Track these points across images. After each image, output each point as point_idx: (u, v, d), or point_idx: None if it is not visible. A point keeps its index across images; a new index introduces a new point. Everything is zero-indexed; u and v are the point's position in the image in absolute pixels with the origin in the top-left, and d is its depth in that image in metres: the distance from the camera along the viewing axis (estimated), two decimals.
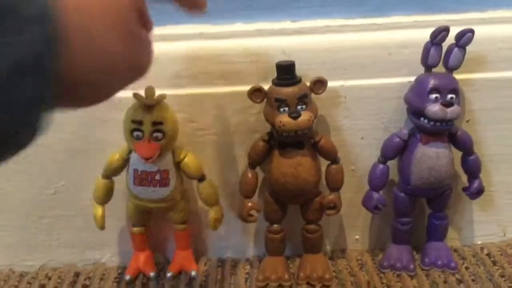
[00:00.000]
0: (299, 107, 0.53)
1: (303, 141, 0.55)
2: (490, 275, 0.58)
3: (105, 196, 0.57)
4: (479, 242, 0.65)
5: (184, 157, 0.56)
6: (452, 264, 0.60)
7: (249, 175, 0.57)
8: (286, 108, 0.53)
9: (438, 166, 0.55)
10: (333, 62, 0.58)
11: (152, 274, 0.60)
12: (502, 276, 0.58)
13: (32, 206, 0.61)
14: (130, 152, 0.55)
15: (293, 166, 0.55)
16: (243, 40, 0.58)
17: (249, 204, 0.57)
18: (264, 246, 0.61)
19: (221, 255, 0.64)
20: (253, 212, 0.57)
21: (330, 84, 0.55)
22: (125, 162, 0.56)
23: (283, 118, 0.52)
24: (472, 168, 0.58)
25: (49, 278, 0.61)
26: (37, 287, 0.60)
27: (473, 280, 0.58)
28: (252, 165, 0.57)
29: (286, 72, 0.54)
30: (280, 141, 0.55)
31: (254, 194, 0.58)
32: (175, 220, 0.60)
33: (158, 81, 0.55)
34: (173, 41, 0.57)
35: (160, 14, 0.56)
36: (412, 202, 0.59)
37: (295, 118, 0.52)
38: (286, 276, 0.59)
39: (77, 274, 0.62)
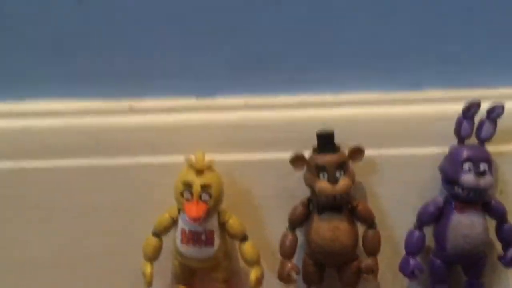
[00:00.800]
0: (337, 173, 0.56)
1: (342, 206, 0.58)
2: None
3: (154, 254, 0.60)
4: None
5: (229, 219, 0.59)
6: None
7: (289, 236, 0.60)
8: (326, 174, 0.56)
9: (473, 234, 0.57)
10: (370, 132, 0.61)
11: None
12: None
13: (86, 263, 0.65)
14: (179, 212, 0.59)
15: (332, 230, 0.57)
16: (286, 111, 0.62)
17: (289, 265, 0.59)
18: None
19: None
20: (292, 273, 0.59)
21: (368, 153, 0.58)
22: (174, 221, 0.59)
23: (323, 184, 0.56)
24: (507, 237, 0.59)
25: None
26: None
27: None
28: (292, 227, 0.60)
29: (326, 140, 0.57)
30: (319, 206, 0.58)
31: (294, 256, 0.60)
32: (217, 279, 0.62)
33: (207, 148, 0.60)
34: (221, 111, 0.62)
35: (208, 87, 0.63)
36: (448, 269, 0.60)
37: (334, 183, 0.55)
38: None
39: None
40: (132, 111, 0.63)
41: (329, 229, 0.58)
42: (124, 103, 0.63)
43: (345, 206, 0.58)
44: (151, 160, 0.62)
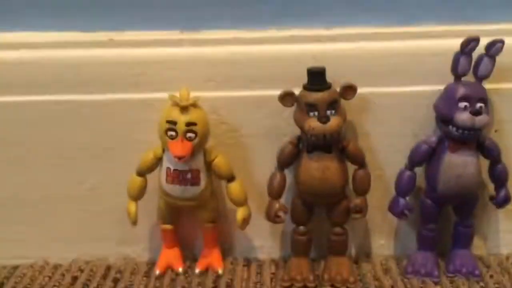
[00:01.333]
0: (328, 112, 0.54)
1: (331, 145, 0.56)
2: None
3: (139, 193, 0.59)
4: (504, 251, 0.65)
5: (215, 158, 0.58)
6: (477, 272, 0.60)
7: (277, 176, 0.59)
8: (316, 113, 0.54)
9: (465, 174, 0.56)
10: (364, 69, 0.59)
11: (180, 269, 0.62)
12: None
13: (68, 200, 0.64)
14: (163, 151, 0.57)
15: (321, 170, 0.56)
16: (276, 46, 0.59)
17: (277, 205, 0.59)
18: (290, 248, 0.62)
19: (248, 255, 0.65)
20: (280, 213, 0.59)
21: (360, 90, 0.56)
22: (159, 160, 0.58)
23: (313, 122, 0.54)
24: (499, 177, 0.59)
25: (82, 271, 0.64)
26: (69, 279, 0.62)
27: None
28: (280, 167, 0.59)
29: (316, 77, 0.55)
30: (309, 145, 0.57)
31: (282, 196, 0.59)
32: (204, 219, 0.61)
33: (192, 84, 0.57)
34: (207, 45, 0.59)
35: (194, 19, 0.60)
36: (438, 209, 0.59)
37: (324, 122, 0.54)
38: (311, 277, 0.60)
39: (108, 268, 0.64)
40: (112, 44, 0.59)
41: (318, 168, 0.56)
42: (104, 36, 0.60)
43: (335, 145, 0.57)
44: (133, 96, 0.60)
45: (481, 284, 0.59)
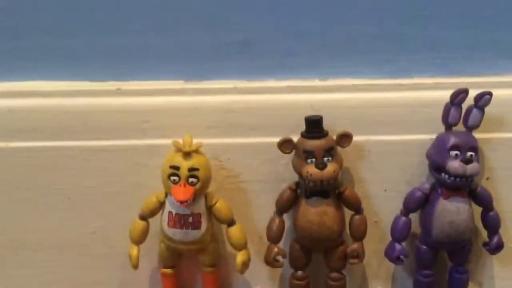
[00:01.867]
0: (325, 159, 0.56)
1: (329, 191, 0.58)
2: None
3: (141, 237, 0.60)
4: None
5: (216, 202, 0.59)
6: None
7: (276, 221, 0.60)
8: (313, 159, 0.56)
9: (458, 220, 0.57)
10: (359, 118, 0.61)
11: None
12: None
13: (72, 244, 0.65)
14: (166, 195, 0.59)
15: (319, 215, 0.58)
16: (275, 96, 0.62)
17: (275, 249, 0.60)
18: None
19: None
20: (279, 257, 0.60)
21: (356, 138, 0.59)
22: (161, 204, 0.59)
23: (310, 169, 0.56)
24: (492, 224, 0.60)
25: None
26: None
27: None
28: (279, 212, 0.60)
29: (314, 126, 0.58)
30: (307, 190, 0.59)
31: (280, 240, 0.61)
32: (204, 263, 0.62)
33: (195, 131, 0.60)
34: (210, 94, 0.62)
35: (197, 70, 0.63)
36: (433, 254, 0.60)
37: (321, 169, 0.56)
38: None
39: None
40: (119, 93, 0.62)
41: (316, 213, 0.58)
42: (112, 85, 0.62)
43: (332, 191, 0.59)
44: (138, 143, 0.62)
45: None
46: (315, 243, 0.60)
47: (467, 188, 0.58)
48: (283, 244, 0.61)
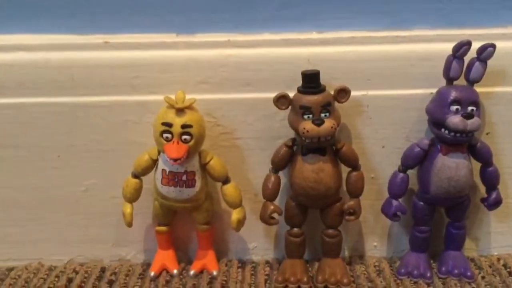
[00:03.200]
0: (322, 114, 0.55)
1: (326, 147, 0.57)
2: (506, 285, 0.59)
3: (134, 195, 0.59)
4: (495, 253, 0.66)
5: (210, 160, 0.58)
6: (469, 274, 0.60)
7: (272, 178, 0.59)
8: (310, 115, 0.55)
9: (457, 176, 0.56)
10: (357, 72, 0.59)
11: (175, 271, 0.63)
12: None
13: (64, 202, 0.64)
14: (159, 153, 0.57)
15: (315, 172, 0.57)
16: (270, 49, 0.60)
17: (271, 207, 0.59)
18: (284, 249, 0.63)
19: (242, 257, 0.66)
20: (274, 215, 0.59)
21: (353, 93, 0.57)
22: (154, 162, 0.58)
23: (307, 125, 0.54)
24: (491, 180, 0.60)
25: (76, 273, 0.64)
26: (64, 281, 0.62)
27: None
28: (275, 169, 0.59)
29: (311, 80, 0.56)
30: (303, 147, 0.57)
31: (276, 198, 0.60)
32: (198, 221, 0.62)
33: (188, 86, 0.58)
34: (203, 48, 0.60)
35: (189, 23, 0.60)
36: (430, 211, 0.60)
37: (318, 125, 0.54)
38: (305, 279, 0.60)
39: (103, 270, 0.64)
40: (107, 46, 0.59)
41: (313, 170, 0.57)
42: (99, 38, 0.60)
43: (329, 147, 0.57)
44: (128, 98, 0.60)
45: (473, 285, 0.60)
46: (312, 201, 0.59)
47: (467, 143, 0.57)
48: (279, 202, 0.60)
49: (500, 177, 0.60)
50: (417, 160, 0.58)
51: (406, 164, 0.59)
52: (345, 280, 0.60)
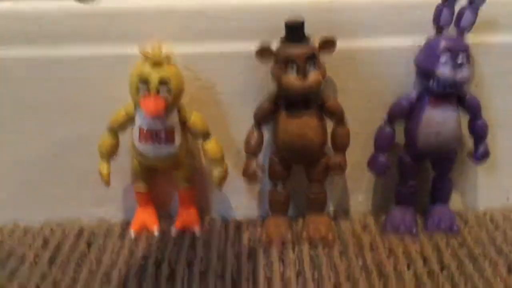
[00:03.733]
0: (307, 67, 0.52)
1: (310, 101, 0.55)
2: (493, 239, 0.59)
3: (110, 152, 0.57)
4: (482, 207, 0.65)
5: (190, 115, 0.56)
6: (455, 228, 0.60)
7: (255, 134, 0.57)
8: (294, 67, 0.52)
9: (445, 131, 0.55)
10: (342, 22, 0.57)
11: (156, 230, 0.61)
12: (504, 241, 0.59)
13: (39, 160, 0.61)
14: (135, 108, 0.55)
15: (300, 127, 0.55)
16: None
17: (254, 163, 0.57)
18: (268, 206, 0.61)
19: (225, 215, 0.64)
20: (257, 171, 0.57)
21: (338, 44, 0.54)
22: (131, 119, 0.55)
23: (291, 78, 0.52)
24: (479, 133, 0.58)
25: (53, 233, 0.62)
26: (41, 242, 0.60)
27: (475, 244, 0.58)
28: (257, 124, 0.57)
29: (295, 31, 0.53)
30: (287, 101, 0.55)
31: (259, 154, 0.58)
32: (179, 178, 0.60)
33: (165, 37, 0.55)
34: None
35: None
36: (417, 165, 0.59)
37: (303, 78, 0.52)
38: (289, 236, 0.59)
39: (81, 230, 0.62)
40: None
41: (297, 125, 0.55)
42: None
43: (314, 102, 0.55)
44: (101, 50, 0.57)
45: (459, 239, 0.59)
46: (296, 156, 0.57)
47: (456, 95, 0.55)
48: (262, 157, 0.58)
49: (489, 130, 0.58)
50: (404, 113, 0.56)
51: (393, 117, 0.57)
52: (329, 236, 0.59)
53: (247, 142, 0.57)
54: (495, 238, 0.59)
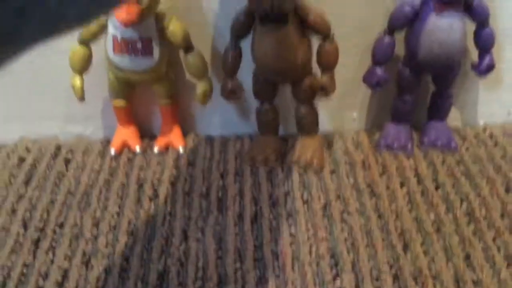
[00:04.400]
0: None
1: (286, 15, 0.47)
2: (491, 156, 0.56)
3: (82, 65, 0.52)
4: (482, 123, 0.62)
5: (169, 23, 0.50)
6: (452, 144, 0.57)
7: (231, 51, 0.51)
8: None
9: (449, 40, 0.50)
10: None
11: (137, 148, 0.58)
12: (503, 158, 0.56)
13: (7, 75, 0.56)
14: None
15: (274, 45, 0.48)
16: None
17: (230, 83, 0.52)
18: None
19: (210, 132, 0.61)
20: (235, 91, 0.53)
21: None
22: (103, 27, 0.50)
23: None
24: (486, 42, 0.53)
25: (29, 151, 0.58)
26: (16, 160, 0.57)
27: (473, 162, 0.55)
28: (234, 40, 0.51)
29: None
30: (261, 15, 0.48)
31: (236, 73, 0.53)
32: (160, 94, 0.56)
33: None
34: None
35: None
36: (416, 78, 0.55)
37: None
38: (273, 157, 0.56)
39: (58, 147, 0.59)
40: None
41: (271, 44, 0.48)
42: None
43: (292, 15, 0.48)
44: None
45: (456, 157, 0.56)
46: (274, 76, 0.52)
47: (463, 1, 0.50)
48: (247, 74, 0.54)
49: (495, 39, 0.54)
50: (406, 21, 0.51)
51: (394, 25, 0.52)
52: (315, 162, 0.55)
53: (224, 60, 0.52)
54: (494, 155, 0.56)
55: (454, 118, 0.61)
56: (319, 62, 0.52)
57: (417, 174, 0.54)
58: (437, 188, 0.53)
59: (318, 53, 0.52)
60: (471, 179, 0.53)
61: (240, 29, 0.50)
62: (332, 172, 0.55)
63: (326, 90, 0.52)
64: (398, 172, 0.55)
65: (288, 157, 0.57)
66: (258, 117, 0.56)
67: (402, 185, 0.53)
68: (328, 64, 0.52)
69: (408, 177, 0.54)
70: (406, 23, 0.52)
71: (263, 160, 0.55)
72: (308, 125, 0.56)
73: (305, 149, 0.56)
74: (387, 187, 0.53)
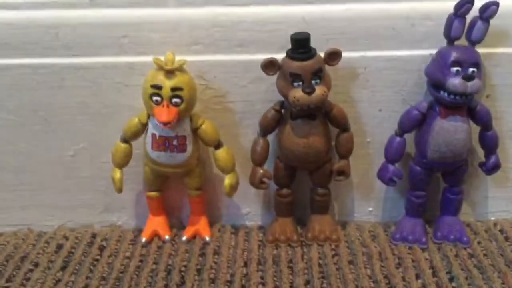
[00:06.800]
0: (313, 81, 0.53)
1: (316, 112, 0.55)
2: (502, 250, 0.59)
3: (124, 160, 0.58)
4: (492, 218, 0.65)
5: (202, 124, 0.56)
6: (465, 239, 0.60)
7: (260, 142, 0.58)
8: (300, 83, 0.52)
9: (455, 140, 0.55)
10: (354, 32, 0.57)
11: (167, 237, 0.62)
12: None
13: (52, 167, 0.62)
14: (148, 117, 0.56)
15: (305, 137, 0.55)
16: (264, 8, 0.57)
17: (261, 171, 0.58)
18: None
19: (235, 222, 0.65)
20: (264, 179, 0.58)
21: (350, 54, 0.55)
22: (144, 126, 0.56)
23: (297, 93, 0.52)
24: (490, 144, 0.58)
25: (67, 239, 0.63)
26: (54, 247, 0.61)
27: (484, 255, 0.58)
28: (263, 133, 0.58)
29: (301, 45, 0.53)
30: (292, 112, 0.55)
31: (265, 162, 0.58)
32: (190, 186, 0.60)
33: (177, 48, 0.56)
34: (193, 7, 0.57)
35: None
36: (427, 175, 0.59)
37: (309, 93, 0.52)
38: (295, 237, 0.60)
39: (94, 235, 0.63)
40: (93, 4, 0.56)
41: (303, 136, 0.55)
42: None
43: (319, 111, 0.55)
44: (115, 60, 0.57)
45: (469, 250, 0.59)
46: (301, 164, 0.58)
47: (466, 106, 0.55)
48: (268, 161, 0.59)
49: (500, 141, 0.58)
50: (415, 123, 0.57)
51: (404, 127, 0.57)
52: (334, 236, 0.60)
53: (253, 151, 0.58)
54: (505, 249, 0.59)
55: (465, 213, 0.64)
56: (337, 149, 0.59)
57: (432, 267, 0.57)
58: (451, 280, 0.55)
59: (337, 141, 0.58)
60: (483, 271, 0.56)
61: (269, 124, 0.57)
62: (350, 262, 0.58)
63: (344, 174, 0.58)
64: (414, 264, 0.57)
65: (306, 235, 0.61)
66: (277, 202, 0.61)
67: (417, 277, 0.55)
68: (346, 151, 0.59)
69: (424, 269, 0.56)
70: (415, 125, 0.57)
71: (286, 240, 0.60)
72: (323, 205, 0.61)
73: (322, 226, 0.61)
74: (403, 279, 0.55)
